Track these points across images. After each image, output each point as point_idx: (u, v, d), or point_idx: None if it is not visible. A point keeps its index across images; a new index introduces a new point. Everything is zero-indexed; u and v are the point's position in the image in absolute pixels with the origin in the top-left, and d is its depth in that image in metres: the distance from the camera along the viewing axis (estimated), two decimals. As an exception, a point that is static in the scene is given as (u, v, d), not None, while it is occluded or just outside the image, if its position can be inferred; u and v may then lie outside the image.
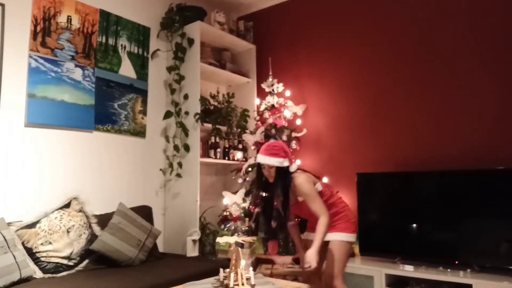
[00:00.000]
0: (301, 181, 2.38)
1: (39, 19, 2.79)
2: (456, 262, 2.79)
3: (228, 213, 3.40)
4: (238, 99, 4.04)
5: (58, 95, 2.87)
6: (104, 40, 3.20)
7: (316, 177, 2.54)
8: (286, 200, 2.40)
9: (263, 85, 3.71)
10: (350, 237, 2.46)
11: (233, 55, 4.27)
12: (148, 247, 2.87)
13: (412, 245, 2.99)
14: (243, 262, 2.08)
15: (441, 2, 3.19)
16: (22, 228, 2.42)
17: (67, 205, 2.66)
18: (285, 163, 2.39)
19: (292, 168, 2.44)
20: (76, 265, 2.52)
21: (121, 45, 3.34)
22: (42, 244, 2.42)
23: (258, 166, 2.47)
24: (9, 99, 2.62)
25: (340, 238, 2.44)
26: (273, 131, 3.51)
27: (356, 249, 3.23)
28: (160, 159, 3.59)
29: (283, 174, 2.40)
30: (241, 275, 2.02)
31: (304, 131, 3.74)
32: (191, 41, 3.56)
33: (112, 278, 2.35)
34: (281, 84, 3.69)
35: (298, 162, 2.39)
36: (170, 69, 3.59)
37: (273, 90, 3.66)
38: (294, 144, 3.58)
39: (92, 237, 2.65)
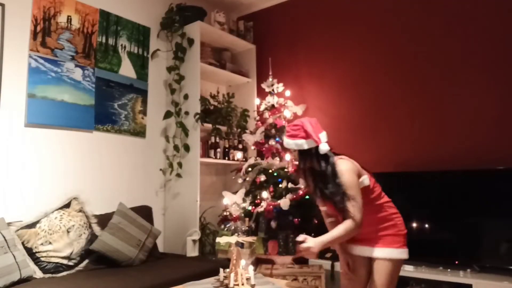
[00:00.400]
0: (343, 169, 1.90)
1: (39, 19, 2.79)
2: (456, 262, 2.78)
3: (228, 213, 3.40)
4: (238, 99, 4.05)
5: (58, 95, 2.87)
6: (104, 40, 3.20)
7: (364, 169, 2.06)
8: (336, 188, 1.88)
9: (263, 85, 3.70)
10: (400, 252, 1.96)
11: (233, 55, 4.26)
12: (148, 247, 2.87)
13: (412, 245, 2.97)
14: (243, 262, 2.08)
15: (439, 3, 3.19)
16: (22, 228, 2.42)
17: (67, 205, 2.66)
18: (305, 145, 1.94)
19: (322, 149, 1.92)
20: (76, 265, 2.52)
21: (121, 45, 3.33)
22: (42, 244, 2.42)
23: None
24: (9, 99, 2.62)
25: (387, 255, 1.94)
26: (273, 131, 3.51)
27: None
28: (160, 159, 3.59)
29: (309, 158, 1.96)
30: (241, 275, 2.02)
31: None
32: (191, 41, 3.56)
33: (112, 278, 2.35)
34: (281, 84, 3.68)
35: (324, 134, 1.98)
36: (170, 69, 3.59)
37: (273, 90, 3.65)
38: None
39: (92, 237, 2.65)
